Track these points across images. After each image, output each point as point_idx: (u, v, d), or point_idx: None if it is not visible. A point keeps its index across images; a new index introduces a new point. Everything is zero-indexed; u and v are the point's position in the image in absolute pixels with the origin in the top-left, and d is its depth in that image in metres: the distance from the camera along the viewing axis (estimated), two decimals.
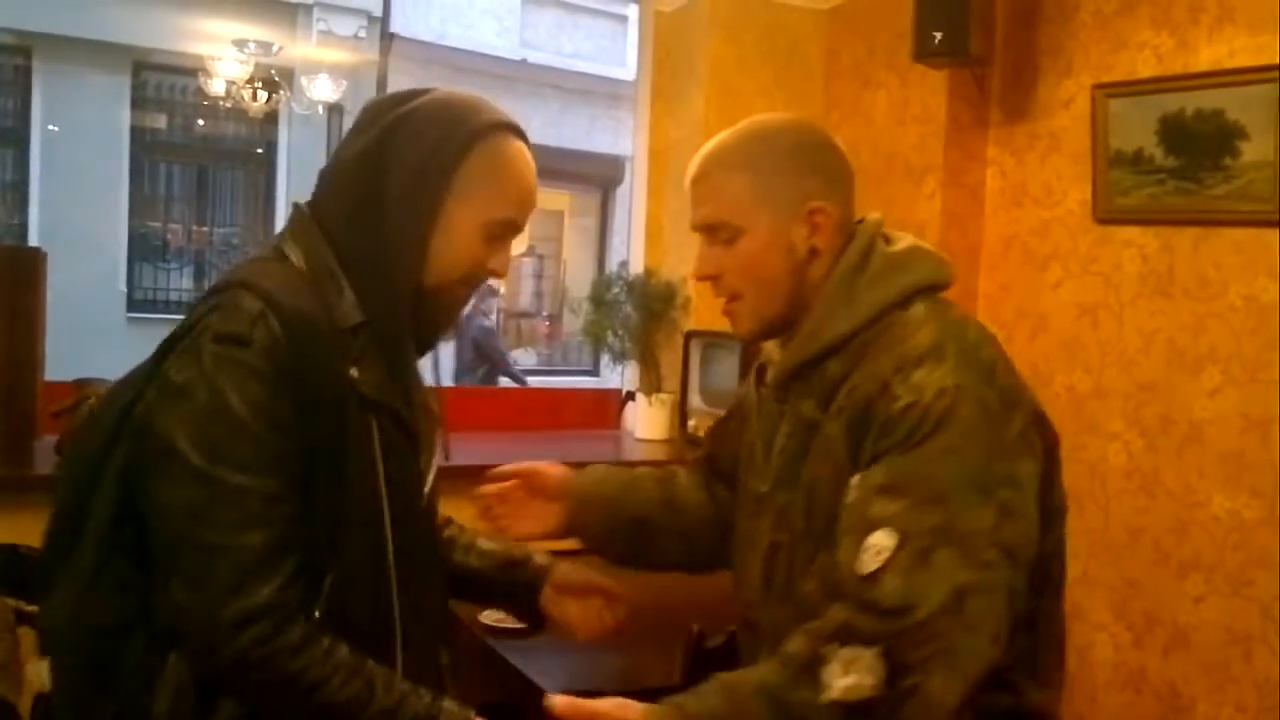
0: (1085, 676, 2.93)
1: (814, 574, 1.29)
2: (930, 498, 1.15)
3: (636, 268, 3.79)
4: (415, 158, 1.28)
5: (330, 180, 1.35)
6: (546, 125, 11.30)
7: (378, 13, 10.28)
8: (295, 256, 1.30)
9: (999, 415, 1.21)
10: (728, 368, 3.45)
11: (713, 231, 1.40)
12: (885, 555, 1.13)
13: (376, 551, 1.29)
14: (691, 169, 1.43)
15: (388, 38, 10.32)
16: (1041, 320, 3.16)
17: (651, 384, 3.66)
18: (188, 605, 1.16)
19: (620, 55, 10.70)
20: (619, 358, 3.72)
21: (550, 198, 12.28)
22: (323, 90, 8.68)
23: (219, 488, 1.16)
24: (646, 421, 3.62)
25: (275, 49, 8.62)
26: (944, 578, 1.12)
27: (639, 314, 3.64)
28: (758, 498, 1.44)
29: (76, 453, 1.33)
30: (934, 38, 2.99)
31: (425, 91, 1.34)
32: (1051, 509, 1.29)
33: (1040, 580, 1.28)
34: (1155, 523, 2.80)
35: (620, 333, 3.63)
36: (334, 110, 9.12)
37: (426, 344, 1.40)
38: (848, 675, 1.10)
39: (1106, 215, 2.94)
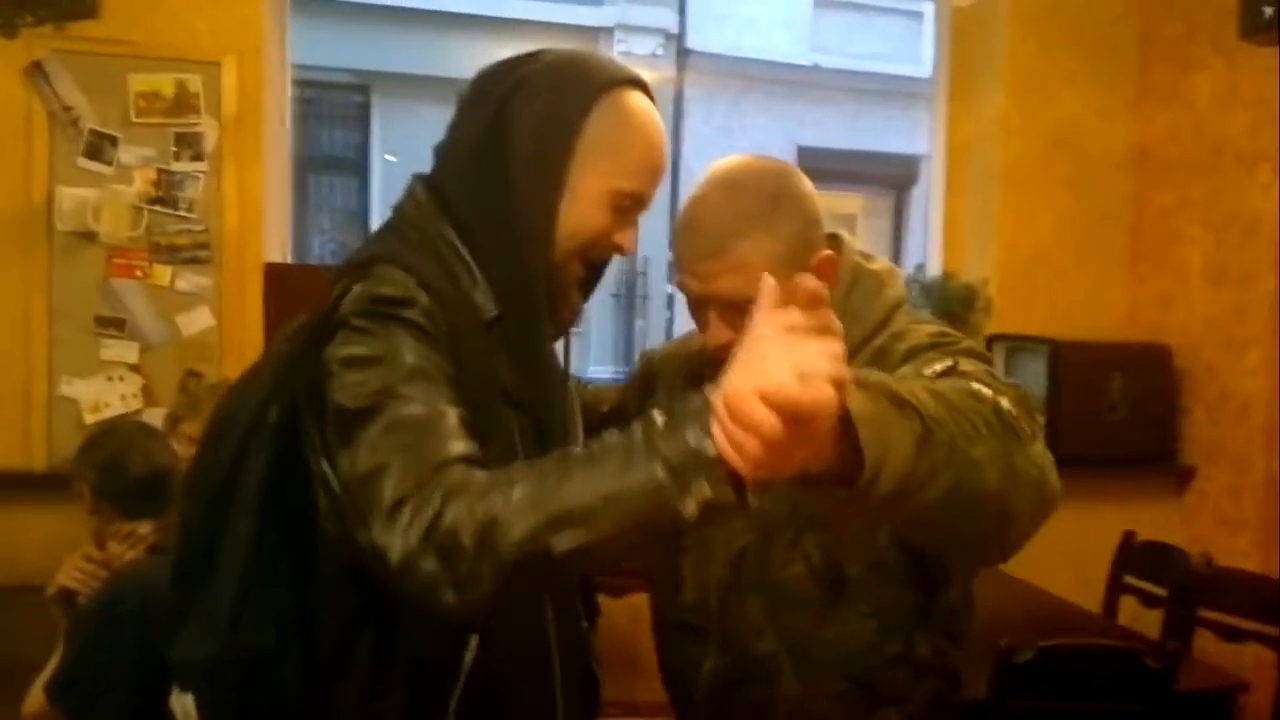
0: None
1: (797, 557, 1.28)
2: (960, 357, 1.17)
3: (934, 270, 3.71)
4: (534, 124, 1.15)
5: (450, 159, 1.21)
6: (839, 128, 11.23)
7: (674, 30, 10.61)
8: (420, 239, 1.16)
9: (987, 354, 1.26)
10: (1034, 372, 3.31)
11: (732, 306, 1.23)
12: (950, 365, 1.14)
13: None
14: (697, 240, 1.26)
15: (684, 54, 10.61)
16: None
17: None
18: (362, 538, 0.98)
19: (915, 53, 10.45)
20: None
21: (841, 200, 12.17)
22: None
23: (388, 413, 1.00)
24: None
25: None
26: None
27: (937, 317, 3.56)
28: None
29: (202, 467, 1.18)
30: (1264, 13, 2.75)
31: (539, 54, 1.21)
32: None
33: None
34: None
35: None
36: None
37: (555, 332, 1.24)
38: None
39: None
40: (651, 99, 1.22)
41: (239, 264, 2.91)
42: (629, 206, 1.20)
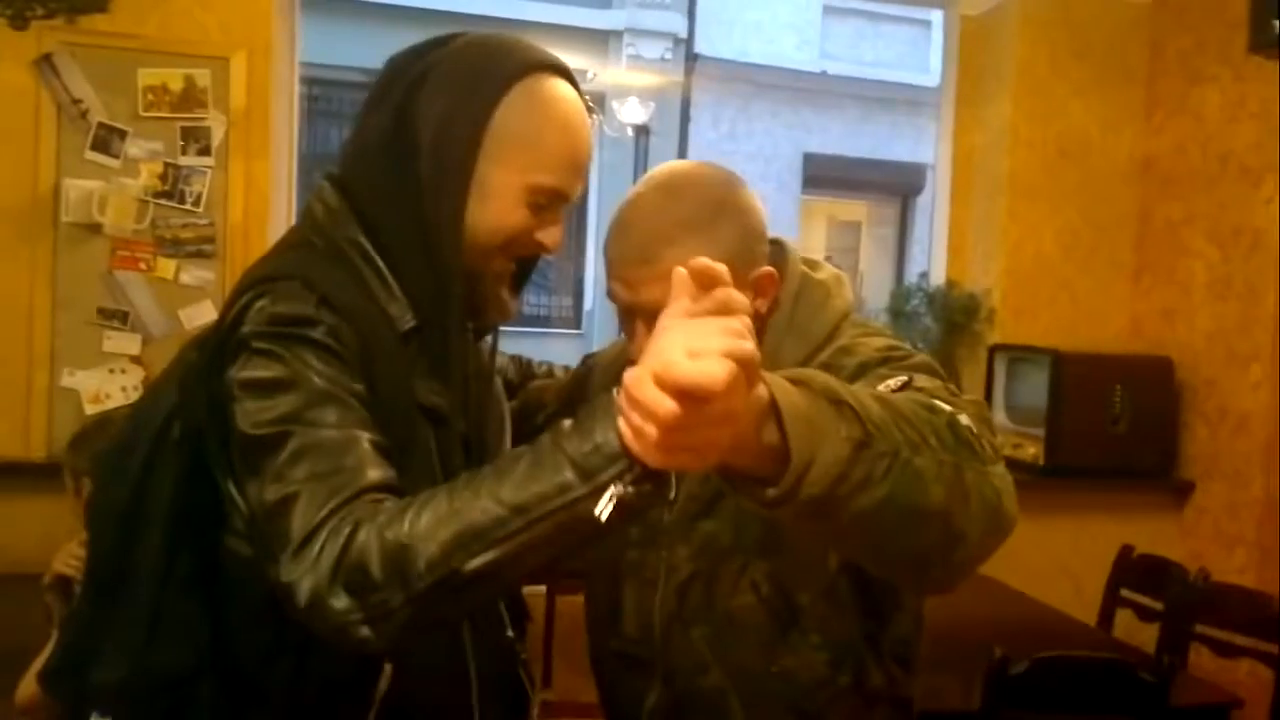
0: None
1: (745, 587, 1.22)
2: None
3: (937, 278, 3.71)
4: (441, 116, 1.06)
5: (357, 155, 1.12)
6: (845, 135, 11.24)
7: (683, 34, 10.62)
8: (328, 246, 1.09)
9: (938, 368, 1.19)
10: (1036, 382, 3.31)
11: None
12: (905, 381, 1.07)
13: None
14: (627, 245, 1.18)
15: (692, 59, 10.62)
16: None
17: None
18: (272, 572, 0.94)
19: (923, 61, 10.46)
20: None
21: (846, 208, 12.18)
22: (631, 113, 9.08)
23: (293, 441, 0.96)
24: None
25: (590, 75, 9.12)
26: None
27: (940, 326, 3.57)
28: (658, 529, 1.27)
29: (109, 482, 1.13)
30: (1274, 26, 2.74)
31: (451, 38, 1.12)
32: None
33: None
34: None
35: (920, 346, 3.57)
36: (641, 131, 9.51)
37: (478, 333, 1.19)
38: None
39: None
40: (575, 86, 1.13)
41: (243, 259, 2.91)
42: (547, 203, 1.11)
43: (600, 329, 9.76)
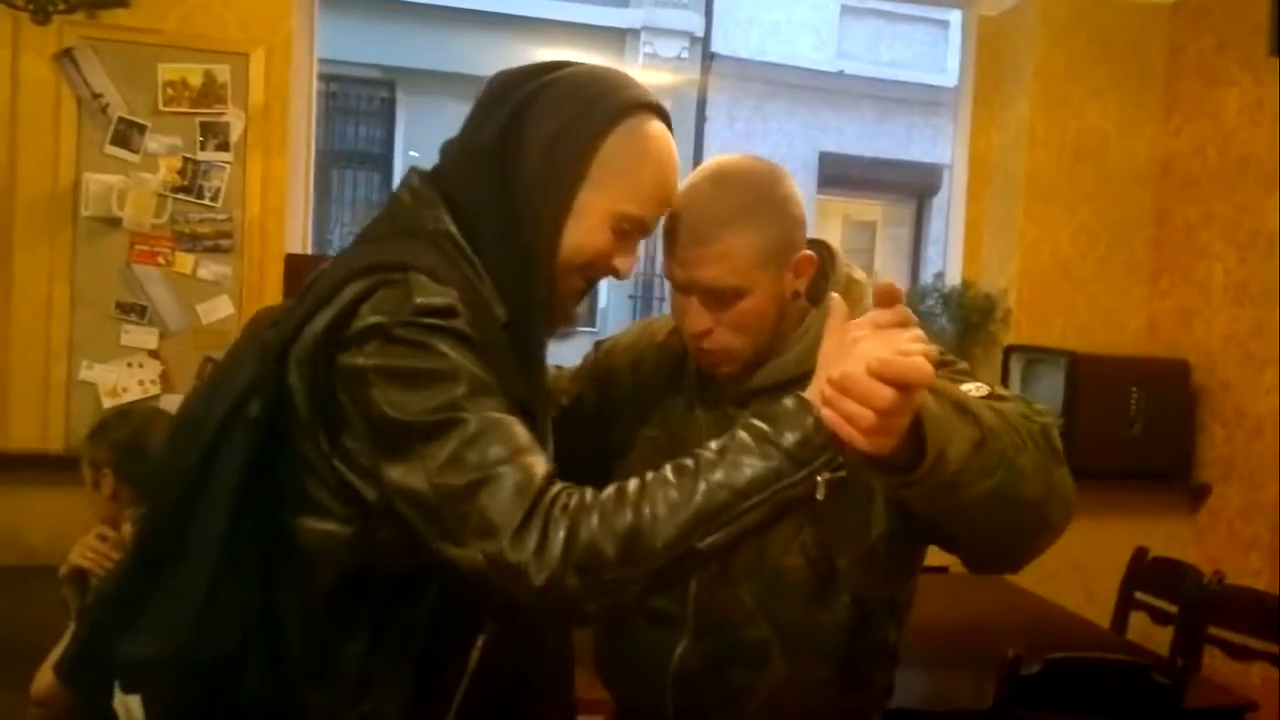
0: None
1: (795, 549, 1.32)
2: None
3: (953, 279, 3.70)
4: (550, 137, 1.14)
5: (458, 159, 1.19)
6: (862, 135, 11.21)
7: (700, 33, 10.61)
8: (425, 236, 1.14)
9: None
10: (1052, 384, 3.30)
11: (714, 294, 1.29)
12: (986, 390, 1.21)
13: None
14: (684, 228, 1.28)
15: (708, 58, 10.61)
16: None
17: None
18: (482, 554, 0.99)
19: (940, 61, 10.43)
20: None
21: (862, 208, 12.15)
22: None
23: (463, 428, 1.01)
24: None
25: None
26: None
27: (955, 327, 3.56)
28: None
29: (173, 456, 1.16)
30: None
31: (562, 64, 1.20)
32: None
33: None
34: None
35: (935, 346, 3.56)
36: None
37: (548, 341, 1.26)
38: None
39: None
40: (669, 127, 1.23)
41: (260, 254, 2.93)
42: (631, 231, 1.20)
43: (614, 326, 9.77)
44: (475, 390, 1.03)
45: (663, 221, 1.27)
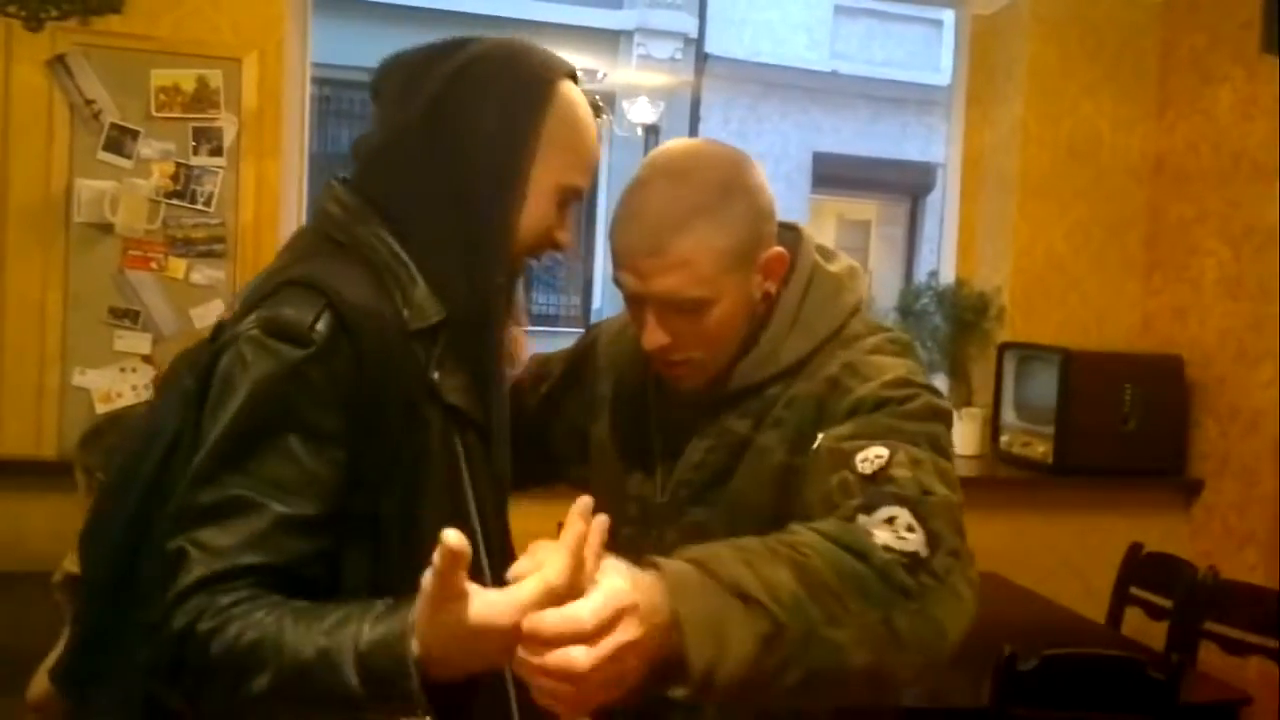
0: None
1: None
2: (904, 436, 1.10)
3: (947, 277, 3.71)
4: (490, 117, 1.09)
5: (384, 158, 1.13)
6: (856, 135, 11.23)
7: (694, 34, 10.62)
8: (350, 244, 1.09)
9: (944, 407, 1.19)
10: (1045, 381, 3.30)
11: (674, 305, 1.15)
12: (884, 459, 1.05)
13: None
14: (636, 235, 1.15)
15: (702, 59, 10.62)
16: None
17: (961, 397, 3.56)
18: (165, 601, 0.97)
19: (934, 60, 10.45)
20: (927, 370, 3.65)
21: (856, 207, 12.17)
22: (641, 112, 9.08)
23: (229, 495, 0.98)
24: (955, 436, 3.53)
25: (600, 75, 9.11)
26: (942, 480, 1.06)
27: (949, 325, 3.56)
28: (648, 506, 1.28)
29: (103, 521, 1.11)
30: None
31: (466, 42, 1.15)
32: None
33: None
34: None
35: (929, 344, 3.57)
36: (651, 131, 9.51)
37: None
38: (892, 531, 0.99)
39: None
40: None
41: (254, 258, 2.92)
42: (570, 201, 1.16)
43: None
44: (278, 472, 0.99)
45: (612, 225, 1.18)
